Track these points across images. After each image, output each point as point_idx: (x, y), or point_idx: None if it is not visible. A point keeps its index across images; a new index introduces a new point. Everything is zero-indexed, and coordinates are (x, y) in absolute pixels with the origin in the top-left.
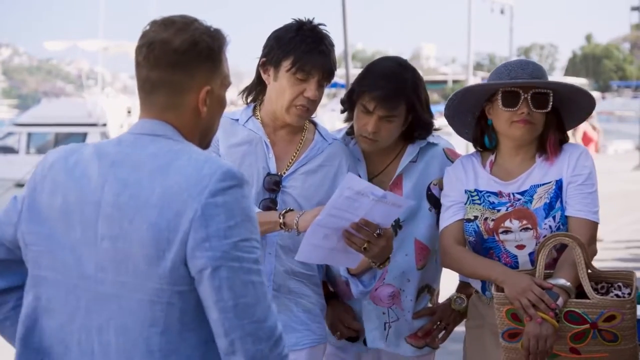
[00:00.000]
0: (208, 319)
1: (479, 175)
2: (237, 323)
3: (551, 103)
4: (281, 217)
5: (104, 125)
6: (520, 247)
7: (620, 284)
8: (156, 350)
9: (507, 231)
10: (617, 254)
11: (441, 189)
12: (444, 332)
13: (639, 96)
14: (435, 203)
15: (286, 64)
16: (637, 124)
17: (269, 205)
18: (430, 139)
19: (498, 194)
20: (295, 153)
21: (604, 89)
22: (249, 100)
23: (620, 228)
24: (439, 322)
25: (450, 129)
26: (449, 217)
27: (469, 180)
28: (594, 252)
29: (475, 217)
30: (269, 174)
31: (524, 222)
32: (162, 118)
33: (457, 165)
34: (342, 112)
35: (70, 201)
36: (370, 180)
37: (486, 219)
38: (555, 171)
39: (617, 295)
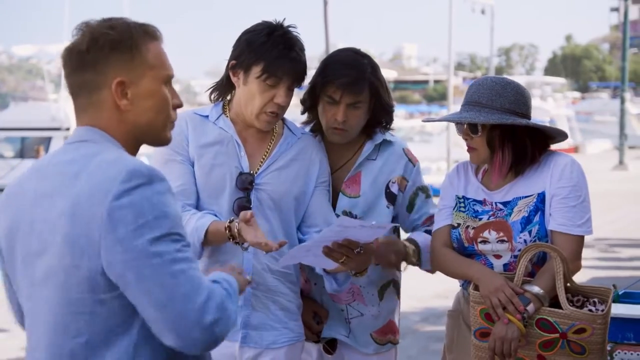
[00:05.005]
0: (139, 319)
1: (470, 182)
2: (177, 316)
3: (480, 127)
4: (227, 230)
5: (67, 129)
6: (497, 256)
7: (596, 299)
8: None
9: (485, 241)
10: (597, 253)
11: (399, 186)
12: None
13: (617, 97)
14: (393, 200)
15: (256, 70)
16: (615, 124)
17: (244, 204)
18: (387, 136)
19: (483, 202)
20: (267, 150)
21: (584, 89)
22: (216, 99)
23: (600, 227)
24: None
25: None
26: (439, 221)
27: (460, 186)
28: (578, 268)
29: (459, 225)
30: (241, 173)
31: (501, 234)
32: (88, 121)
33: (453, 170)
34: (303, 112)
35: (13, 221)
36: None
37: (467, 227)
38: (539, 183)
39: (590, 310)
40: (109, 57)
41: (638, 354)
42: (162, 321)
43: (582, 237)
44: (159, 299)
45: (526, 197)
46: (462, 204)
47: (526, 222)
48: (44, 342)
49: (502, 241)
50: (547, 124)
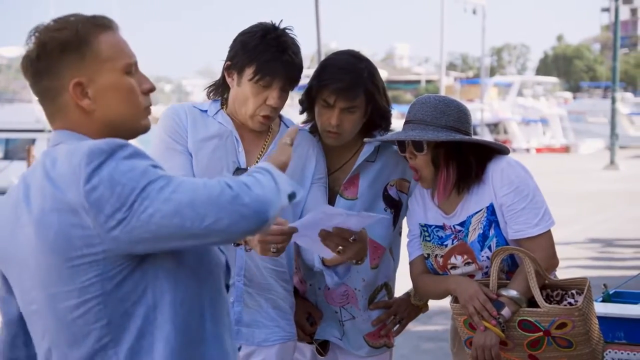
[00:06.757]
0: (146, 278)
1: (428, 207)
2: (197, 220)
3: (425, 145)
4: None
5: (51, 131)
6: (471, 276)
7: (574, 291)
8: (109, 340)
9: (454, 267)
10: (588, 253)
11: (398, 189)
12: (398, 325)
13: (608, 97)
14: (391, 203)
15: (249, 72)
16: (607, 124)
17: None
18: None
19: (443, 227)
20: (264, 146)
21: (575, 89)
22: (213, 97)
23: (591, 227)
24: (394, 316)
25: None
26: (412, 253)
27: (420, 214)
28: (555, 264)
29: (428, 255)
30: (238, 168)
31: (465, 256)
32: (59, 125)
33: (412, 198)
34: (301, 112)
35: (7, 231)
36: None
37: (436, 256)
38: (486, 196)
39: (569, 303)
40: (60, 61)
41: (629, 353)
42: (194, 234)
43: (547, 233)
44: (173, 223)
45: (477, 212)
46: (427, 233)
47: (483, 239)
48: (64, 338)
49: (468, 263)
50: (492, 140)
